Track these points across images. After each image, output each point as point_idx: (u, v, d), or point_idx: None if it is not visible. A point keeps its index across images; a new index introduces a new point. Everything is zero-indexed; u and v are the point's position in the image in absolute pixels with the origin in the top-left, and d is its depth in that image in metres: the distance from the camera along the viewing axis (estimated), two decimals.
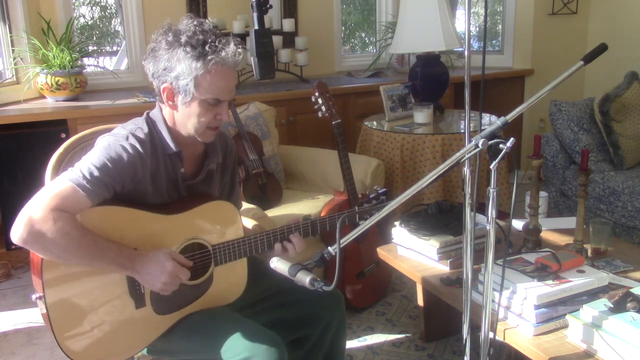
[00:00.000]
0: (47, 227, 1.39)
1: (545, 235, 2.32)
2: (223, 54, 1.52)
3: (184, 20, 1.57)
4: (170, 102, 1.59)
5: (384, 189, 2.00)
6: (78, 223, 1.44)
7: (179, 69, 1.52)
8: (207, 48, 1.51)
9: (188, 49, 1.51)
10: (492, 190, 1.31)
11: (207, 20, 1.58)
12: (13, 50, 3.40)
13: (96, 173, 1.47)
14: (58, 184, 1.45)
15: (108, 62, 4.31)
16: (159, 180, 1.61)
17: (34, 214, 1.40)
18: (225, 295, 1.71)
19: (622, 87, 3.46)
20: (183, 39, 1.52)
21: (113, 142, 1.54)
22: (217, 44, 1.52)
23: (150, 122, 1.63)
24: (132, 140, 1.55)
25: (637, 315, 1.54)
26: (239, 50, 1.55)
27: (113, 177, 1.50)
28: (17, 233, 1.40)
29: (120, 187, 1.53)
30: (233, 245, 1.66)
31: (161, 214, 1.58)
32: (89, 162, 1.49)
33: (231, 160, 1.86)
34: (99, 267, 1.50)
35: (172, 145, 1.61)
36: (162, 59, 1.55)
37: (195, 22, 1.55)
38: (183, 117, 1.59)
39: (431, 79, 3.61)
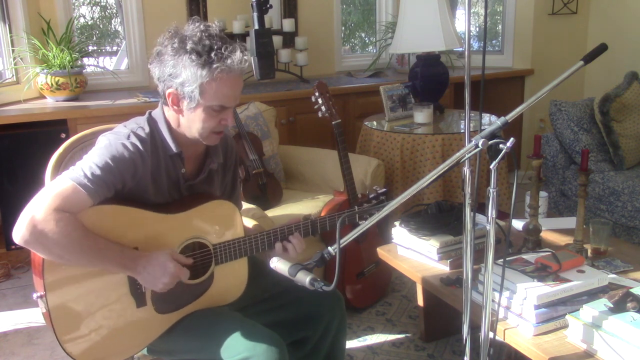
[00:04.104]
0: (49, 227, 1.39)
1: (545, 235, 2.32)
2: (229, 61, 1.51)
3: (190, 25, 1.55)
4: (176, 107, 1.59)
5: (384, 189, 2.00)
6: (80, 223, 1.44)
7: (184, 75, 1.51)
8: (212, 55, 1.50)
9: (194, 56, 1.50)
10: (492, 190, 1.31)
11: (213, 24, 1.57)
12: (13, 50, 3.40)
13: (97, 172, 1.47)
14: (59, 183, 1.45)
15: (108, 62, 4.31)
16: (160, 180, 1.61)
17: (36, 214, 1.40)
18: (226, 294, 1.71)
19: (622, 87, 3.46)
20: (189, 45, 1.50)
21: (114, 140, 1.54)
22: (223, 51, 1.50)
23: (152, 122, 1.64)
24: (133, 139, 1.55)
25: (637, 315, 1.54)
26: (245, 57, 1.54)
27: (114, 175, 1.50)
28: (19, 233, 1.40)
29: (121, 185, 1.53)
30: (234, 245, 1.66)
31: (162, 213, 1.58)
32: (91, 161, 1.49)
33: (232, 161, 1.86)
34: (100, 267, 1.50)
35: (173, 145, 1.62)
36: (167, 64, 1.54)
37: (201, 27, 1.53)
38: (188, 122, 1.59)
39: (431, 79, 3.61)
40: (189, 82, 1.51)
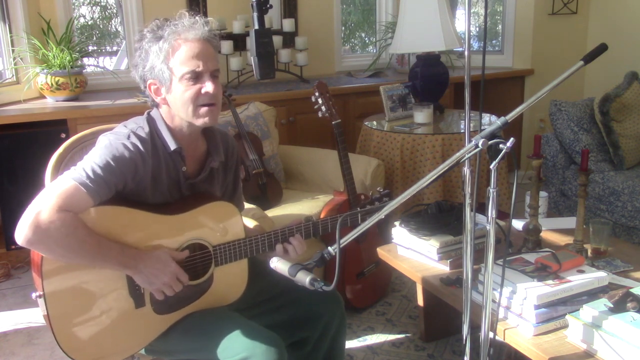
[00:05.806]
0: (52, 228, 1.39)
1: (545, 235, 2.32)
2: (179, 27, 1.57)
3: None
4: (160, 97, 1.62)
5: (387, 190, 2.00)
6: (82, 223, 1.44)
7: (150, 59, 1.58)
8: (164, 28, 1.57)
9: (149, 35, 1.58)
10: (492, 190, 1.31)
11: (180, 12, 1.63)
12: (13, 50, 3.40)
13: (99, 172, 1.47)
14: (61, 183, 1.45)
15: (108, 62, 4.31)
16: (160, 179, 1.61)
17: (39, 214, 1.40)
18: (225, 296, 1.71)
19: (622, 87, 3.46)
20: (145, 30, 1.59)
21: (114, 140, 1.55)
22: (171, 21, 1.58)
23: (151, 121, 1.64)
24: (134, 139, 1.56)
25: (637, 315, 1.54)
26: (196, 18, 1.59)
27: (116, 175, 1.50)
28: (22, 234, 1.40)
29: (122, 185, 1.53)
30: (234, 246, 1.66)
31: (162, 214, 1.58)
32: (92, 161, 1.49)
33: (233, 160, 1.86)
34: (101, 267, 1.50)
35: (172, 142, 1.62)
36: (139, 59, 1.61)
37: (161, 18, 1.61)
38: (174, 106, 1.61)
39: (431, 79, 3.61)
40: (155, 63, 1.57)
